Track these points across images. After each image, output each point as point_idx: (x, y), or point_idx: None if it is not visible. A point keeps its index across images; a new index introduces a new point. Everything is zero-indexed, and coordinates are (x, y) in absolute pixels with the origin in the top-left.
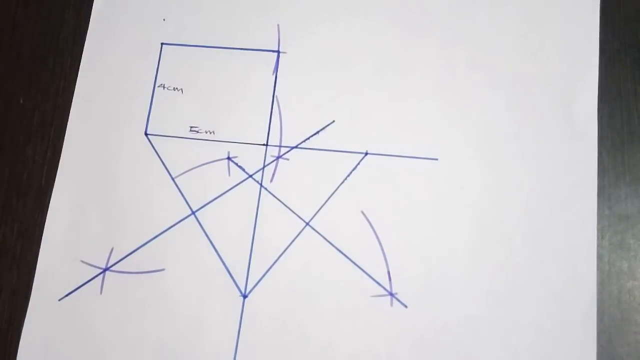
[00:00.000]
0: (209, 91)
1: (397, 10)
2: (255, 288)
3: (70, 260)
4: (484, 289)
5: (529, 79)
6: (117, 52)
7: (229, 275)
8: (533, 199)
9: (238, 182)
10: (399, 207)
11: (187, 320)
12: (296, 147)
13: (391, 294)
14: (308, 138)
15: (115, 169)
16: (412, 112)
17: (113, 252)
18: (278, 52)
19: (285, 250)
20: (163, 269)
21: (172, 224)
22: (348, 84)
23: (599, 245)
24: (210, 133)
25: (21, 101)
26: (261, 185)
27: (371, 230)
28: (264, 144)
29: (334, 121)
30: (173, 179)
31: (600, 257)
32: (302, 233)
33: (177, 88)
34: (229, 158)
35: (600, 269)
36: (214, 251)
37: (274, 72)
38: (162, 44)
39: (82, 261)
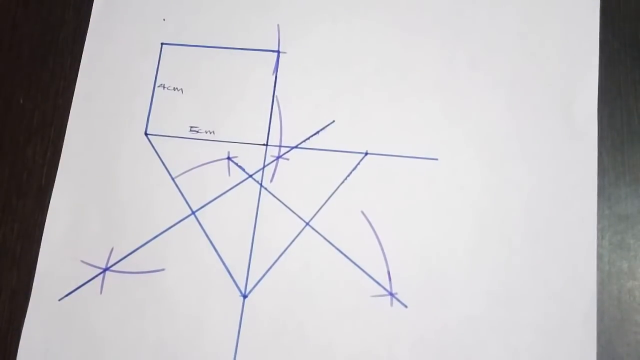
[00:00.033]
0: (209, 91)
1: (397, 10)
2: (255, 288)
3: (70, 260)
4: (484, 289)
5: (529, 79)
6: (117, 52)
7: (229, 275)
8: (533, 199)
9: (238, 182)
10: (399, 207)
11: (187, 320)
12: (296, 147)
13: (391, 294)
14: (308, 138)
15: (115, 169)
16: (412, 112)
17: (113, 252)
18: (278, 52)
19: (285, 250)
20: (163, 269)
21: (172, 224)
22: (348, 84)
23: (599, 245)
24: (210, 133)
25: (21, 101)
26: (261, 185)
27: (371, 230)
28: (264, 144)
29: (334, 121)
30: (173, 179)
31: (600, 257)
32: (302, 233)
33: (177, 88)
34: (229, 158)
35: (600, 269)
36: (214, 251)
37: (274, 72)
38: (162, 44)
39: (82, 261)
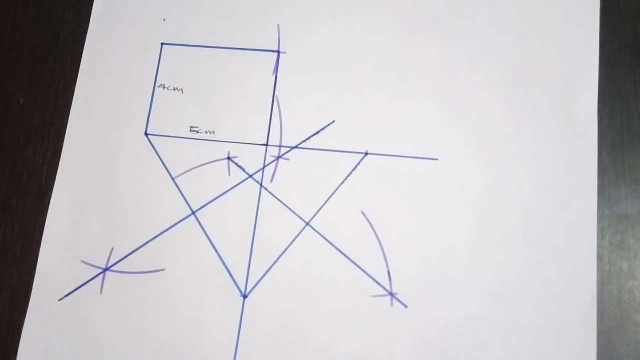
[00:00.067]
0: (209, 91)
1: (397, 10)
2: (255, 288)
3: (70, 260)
4: (484, 289)
5: (529, 79)
6: (117, 52)
7: (229, 275)
8: (533, 199)
9: (238, 182)
10: (399, 207)
11: (187, 320)
12: (296, 147)
13: (391, 294)
14: (308, 138)
15: (115, 169)
16: (412, 112)
17: (113, 252)
18: (278, 52)
19: (285, 250)
20: (163, 269)
21: (172, 224)
22: (348, 84)
23: (599, 245)
24: (210, 133)
25: (21, 101)
26: (261, 185)
27: (371, 230)
28: (264, 144)
29: (334, 121)
30: (173, 179)
31: (600, 257)
32: (302, 233)
33: (177, 88)
34: (229, 158)
35: (600, 269)
36: (214, 251)
37: (274, 72)
38: (162, 44)
39: (82, 261)
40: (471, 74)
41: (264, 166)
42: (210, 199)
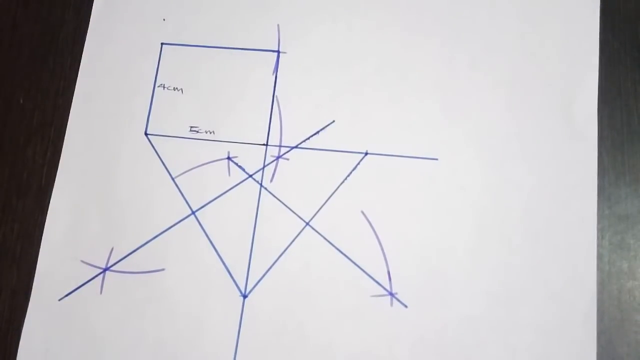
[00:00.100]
0: (209, 91)
1: (397, 10)
2: (255, 288)
3: (70, 260)
4: (484, 289)
5: (529, 79)
6: (117, 52)
7: (229, 275)
8: (533, 199)
9: (238, 182)
10: (399, 207)
11: (187, 320)
12: (296, 147)
13: (391, 294)
14: (308, 138)
15: (115, 169)
16: (412, 112)
17: (113, 252)
18: (278, 52)
19: (285, 250)
20: (163, 269)
21: (172, 224)
22: (348, 84)
23: (599, 245)
24: (210, 133)
25: (21, 101)
26: (261, 185)
27: (371, 230)
28: (264, 144)
29: (334, 121)
30: (173, 179)
31: (600, 257)
32: (302, 233)
33: (177, 88)
34: (229, 158)
35: (600, 269)
36: (214, 251)
37: (274, 72)
38: (162, 44)
39: (82, 261)
40: (471, 74)
41: (264, 166)
42: (210, 199)
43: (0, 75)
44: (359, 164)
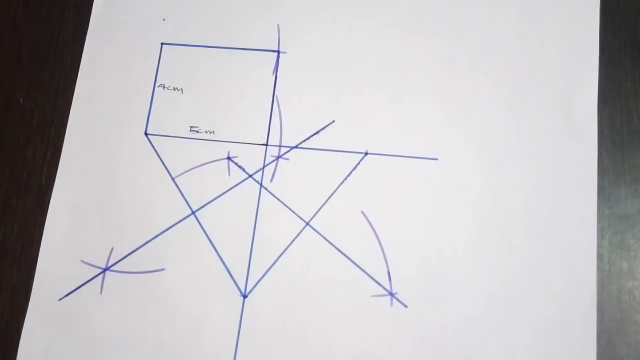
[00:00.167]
0: (209, 91)
1: (397, 10)
2: (255, 288)
3: (70, 260)
4: (484, 289)
5: (529, 79)
6: (117, 52)
7: (229, 275)
8: (533, 199)
9: (238, 182)
10: (399, 207)
11: (187, 320)
12: (296, 147)
13: (391, 294)
14: (308, 138)
15: (115, 169)
16: (412, 112)
17: (113, 252)
18: (278, 52)
19: (285, 250)
20: (163, 269)
21: (172, 224)
22: (348, 84)
23: (599, 245)
24: (210, 133)
25: (21, 101)
26: (261, 185)
27: (371, 230)
28: (264, 144)
29: (334, 121)
30: (173, 179)
31: (600, 257)
32: (302, 233)
33: (177, 88)
34: (229, 158)
35: (600, 269)
36: (214, 251)
37: (274, 72)
38: (162, 44)
39: (82, 261)
40: (471, 74)
41: (264, 166)
42: (210, 199)
43: (0, 75)
44: (359, 164)
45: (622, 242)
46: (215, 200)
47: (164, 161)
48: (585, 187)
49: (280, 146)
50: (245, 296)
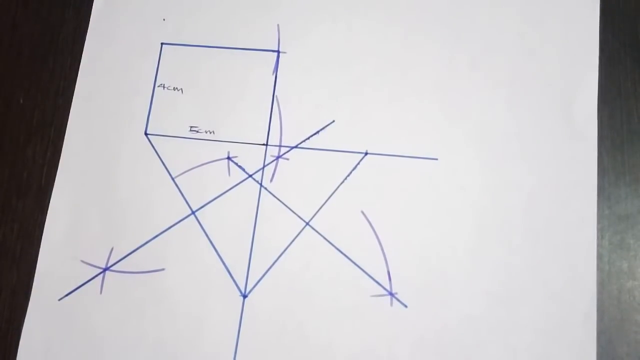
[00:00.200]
0: (209, 91)
1: (397, 10)
2: (255, 288)
3: (70, 260)
4: (484, 289)
5: (529, 79)
6: (117, 52)
7: (229, 275)
8: (533, 199)
9: (238, 182)
10: (399, 207)
11: (187, 320)
12: (296, 147)
13: (391, 294)
14: (308, 138)
15: (115, 168)
16: (412, 112)
17: (113, 252)
18: (278, 52)
19: (285, 250)
20: (163, 269)
21: (172, 224)
22: (348, 83)
23: (599, 245)
24: (210, 133)
25: (21, 101)
26: (261, 185)
27: (371, 230)
28: (264, 144)
29: (334, 121)
30: (173, 179)
31: (600, 257)
32: (302, 233)
33: (177, 88)
34: (229, 158)
35: (600, 269)
36: (214, 251)
37: (274, 72)
38: (162, 44)
39: (82, 261)
40: (471, 74)
41: (264, 166)
42: (210, 199)
43: (0, 75)
44: (358, 164)
45: (622, 242)
46: (215, 200)
47: (164, 161)
48: (585, 187)
49: (280, 146)
50: (245, 296)
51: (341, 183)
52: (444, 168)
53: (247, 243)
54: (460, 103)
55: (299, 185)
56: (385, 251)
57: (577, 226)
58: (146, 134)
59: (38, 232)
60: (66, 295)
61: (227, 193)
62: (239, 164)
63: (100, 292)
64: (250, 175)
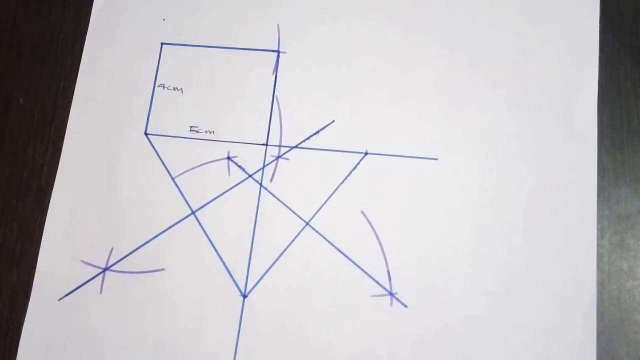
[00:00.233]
0: (209, 91)
1: (397, 10)
2: (255, 288)
3: (70, 260)
4: (484, 289)
5: (529, 79)
6: (117, 52)
7: (229, 275)
8: (533, 199)
9: (238, 182)
10: (399, 207)
11: (187, 320)
12: (296, 147)
13: (391, 294)
14: (308, 138)
15: (115, 168)
16: (412, 112)
17: (113, 252)
18: (278, 52)
19: (285, 250)
20: (163, 269)
21: (172, 224)
22: (348, 83)
23: (599, 245)
24: (210, 133)
25: (21, 101)
26: (261, 185)
27: (371, 230)
28: (264, 144)
29: (334, 121)
30: (173, 179)
31: (600, 257)
32: (302, 233)
33: (177, 88)
34: (229, 158)
35: (600, 269)
36: (214, 251)
37: (274, 72)
38: (162, 44)
39: (82, 261)
40: (471, 74)
41: (264, 166)
42: (210, 199)
43: (0, 75)
44: (358, 164)
45: (622, 242)
46: (215, 200)
47: (164, 161)
48: (585, 187)
49: (280, 146)
50: (245, 296)
51: (341, 183)
52: (444, 168)
53: (247, 243)
54: (460, 103)
55: (299, 185)
56: (385, 251)
57: (577, 226)
58: (146, 134)
59: (38, 232)
60: (66, 295)
61: (227, 193)
62: (239, 164)
63: (100, 292)
64: (250, 175)
